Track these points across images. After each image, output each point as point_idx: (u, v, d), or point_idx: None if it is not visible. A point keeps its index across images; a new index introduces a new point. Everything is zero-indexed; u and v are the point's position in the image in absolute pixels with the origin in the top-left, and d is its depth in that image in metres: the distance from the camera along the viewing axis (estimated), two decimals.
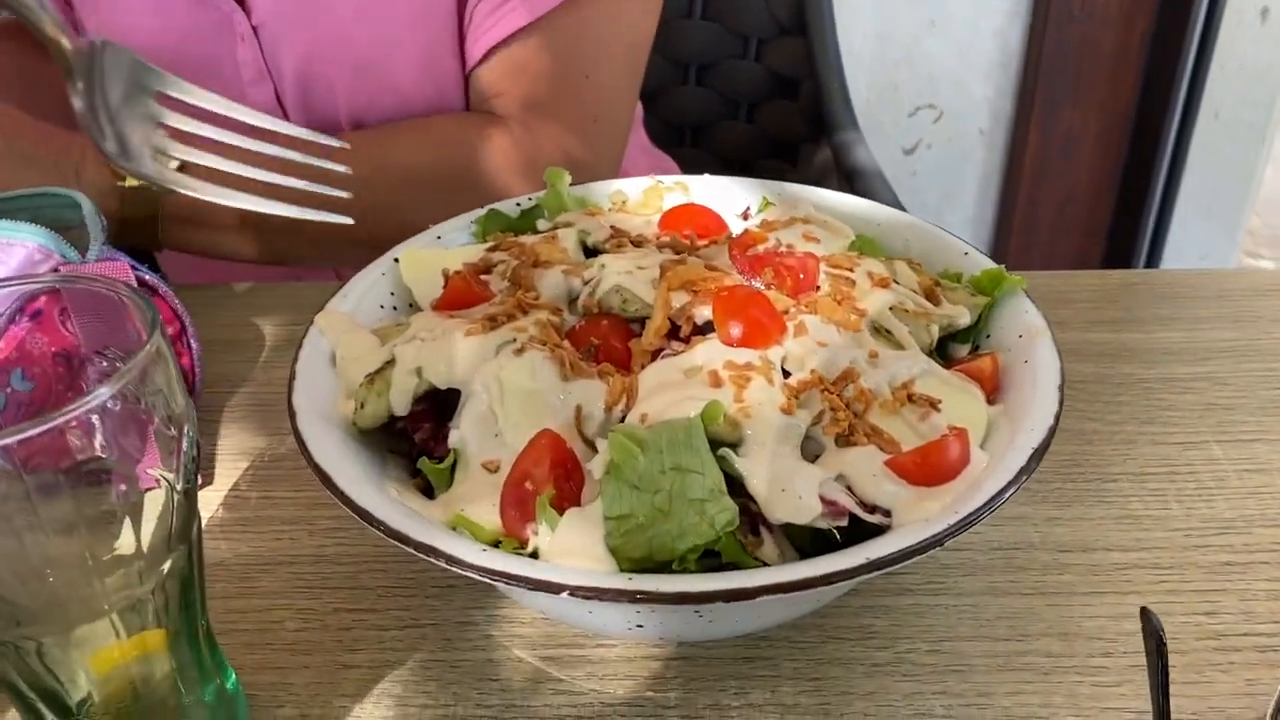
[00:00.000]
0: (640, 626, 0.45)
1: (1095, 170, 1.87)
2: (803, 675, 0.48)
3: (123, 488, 0.36)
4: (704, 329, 0.49)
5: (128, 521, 0.37)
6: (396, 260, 0.58)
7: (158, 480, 0.37)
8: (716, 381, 0.44)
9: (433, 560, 0.40)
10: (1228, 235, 1.92)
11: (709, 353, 0.46)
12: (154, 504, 0.37)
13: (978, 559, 0.53)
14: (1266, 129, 1.83)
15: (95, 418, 0.34)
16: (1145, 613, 0.41)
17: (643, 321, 0.50)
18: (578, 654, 0.49)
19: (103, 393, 0.34)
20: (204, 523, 0.57)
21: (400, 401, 0.47)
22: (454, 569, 0.39)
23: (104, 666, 0.40)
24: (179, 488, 0.38)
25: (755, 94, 1.39)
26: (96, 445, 0.34)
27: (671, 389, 0.44)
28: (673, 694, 0.47)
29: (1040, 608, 0.50)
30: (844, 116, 1.30)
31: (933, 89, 1.81)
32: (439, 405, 0.49)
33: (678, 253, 0.53)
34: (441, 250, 0.58)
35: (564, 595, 0.38)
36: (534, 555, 0.42)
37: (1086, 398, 0.63)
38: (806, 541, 0.43)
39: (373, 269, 0.57)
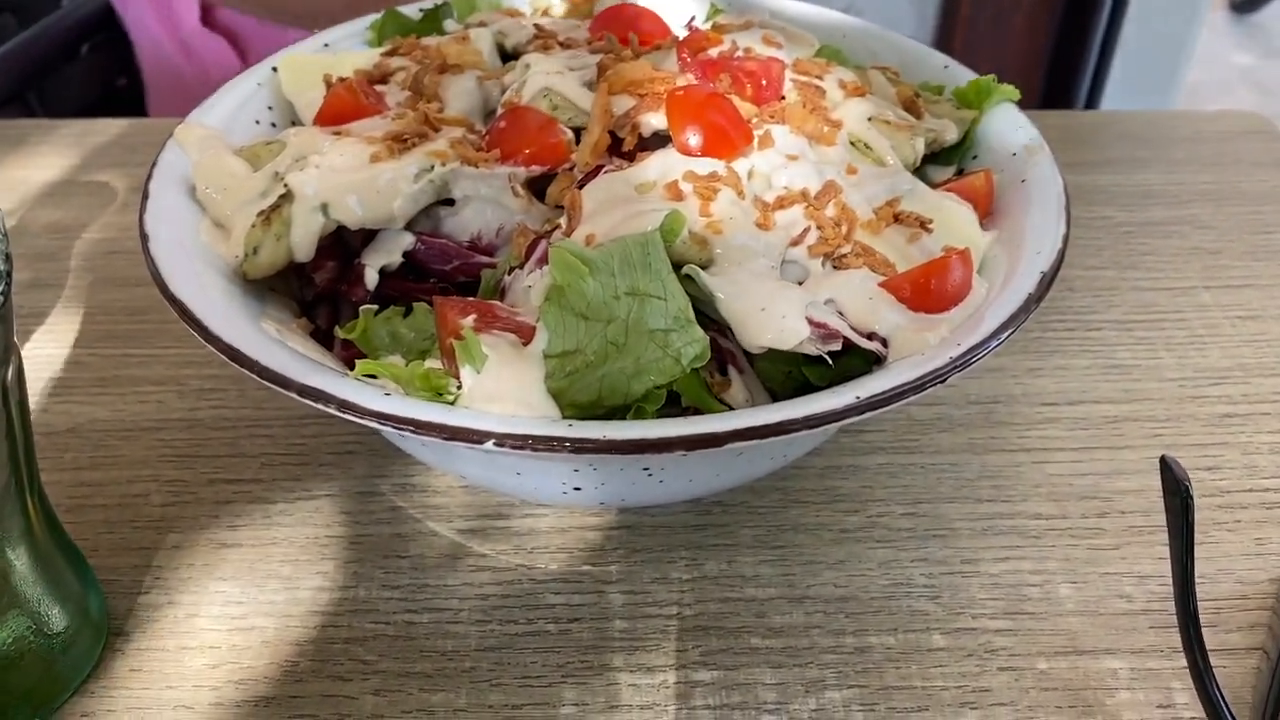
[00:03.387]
0: (578, 489, 0.38)
1: (1028, 40, 1.81)
2: (763, 543, 0.42)
3: None
4: (651, 143, 0.41)
5: None
6: (275, 69, 0.48)
7: None
8: (676, 195, 0.36)
9: (320, 406, 0.32)
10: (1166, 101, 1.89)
11: (665, 164, 0.38)
12: None
13: (954, 414, 0.47)
14: (1198, 5, 1.79)
15: None
16: (1166, 462, 0.36)
17: (578, 133, 0.41)
18: (502, 525, 0.42)
19: None
20: (48, 385, 0.48)
21: (304, 245, 0.38)
22: (346, 417, 0.31)
23: None
24: None
25: None
26: None
27: (621, 205, 0.36)
28: (614, 567, 0.41)
29: (1026, 466, 0.45)
30: None
31: None
32: (340, 239, 0.40)
33: (616, 54, 0.45)
34: (330, 56, 0.48)
35: (488, 446, 0.30)
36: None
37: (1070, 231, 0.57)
38: (778, 385, 0.36)
39: (246, 78, 0.47)
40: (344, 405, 0.31)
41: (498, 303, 0.37)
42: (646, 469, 0.36)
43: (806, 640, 0.38)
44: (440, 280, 0.40)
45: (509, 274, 0.38)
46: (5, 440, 0.32)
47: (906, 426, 0.47)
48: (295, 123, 0.47)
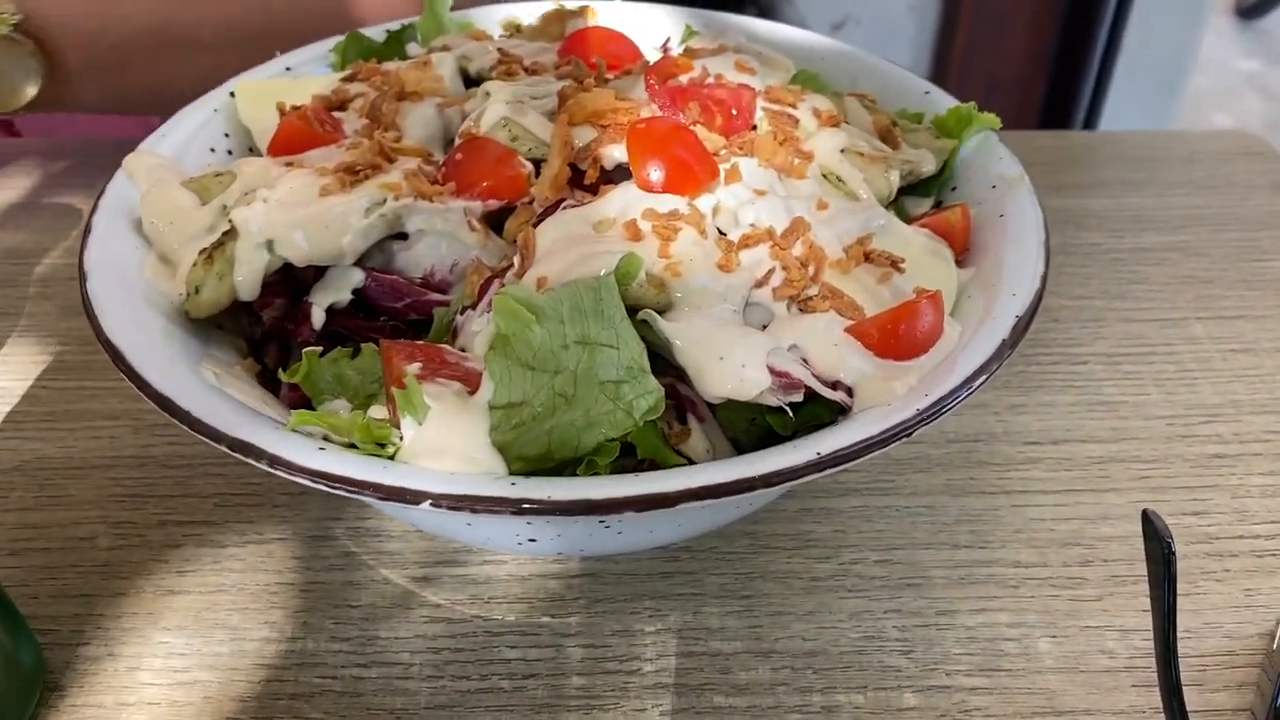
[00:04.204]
0: (533, 540, 0.36)
1: (1028, 51, 1.79)
2: (731, 593, 0.40)
3: None
4: (614, 175, 0.39)
5: None
6: (233, 95, 0.46)
7: None
8: (635, 234, 0.35)
9: (251, 461, 0.30)
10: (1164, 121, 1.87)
11: (624, 200, 0.36)
12: None
13: (932, 453, 0.46)
14: (1201, 12, 1.77)
15: None
16: (1148, 516, 0.34)
17: (538, 165, 0.40)
18: (458, 573, 0.41)
19: None
20: None
21: (248, 284, 0.37)
22: (277, 473, 0.30)
23: None
24: None
25: None
26: None
27: (577, 245, 0.34)
28: (574, 619, 0.39)
29: (1005, 510, 0.43)
30: None
31: None
32: (289, 275, 0.38)
33: (580, 82, 0.43)
34: (288, 81, 0.47)
35: (424, 506, 0.29)
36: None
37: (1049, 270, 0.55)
38: (742, 433, 0.35)
39: (202, 103, 0.46)
40: (275, 461, 0.30)
41: (447, 347, 0.35)
42: (603, 522, 0.34)
43: (772, 699, 0.36)
44: (391, 318, 0.39)
45: (461, 314, 0.36)
46: None
47: (883, 466, 0.45)
48: (253, 150, 0.46)
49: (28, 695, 0.35)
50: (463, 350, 0.35)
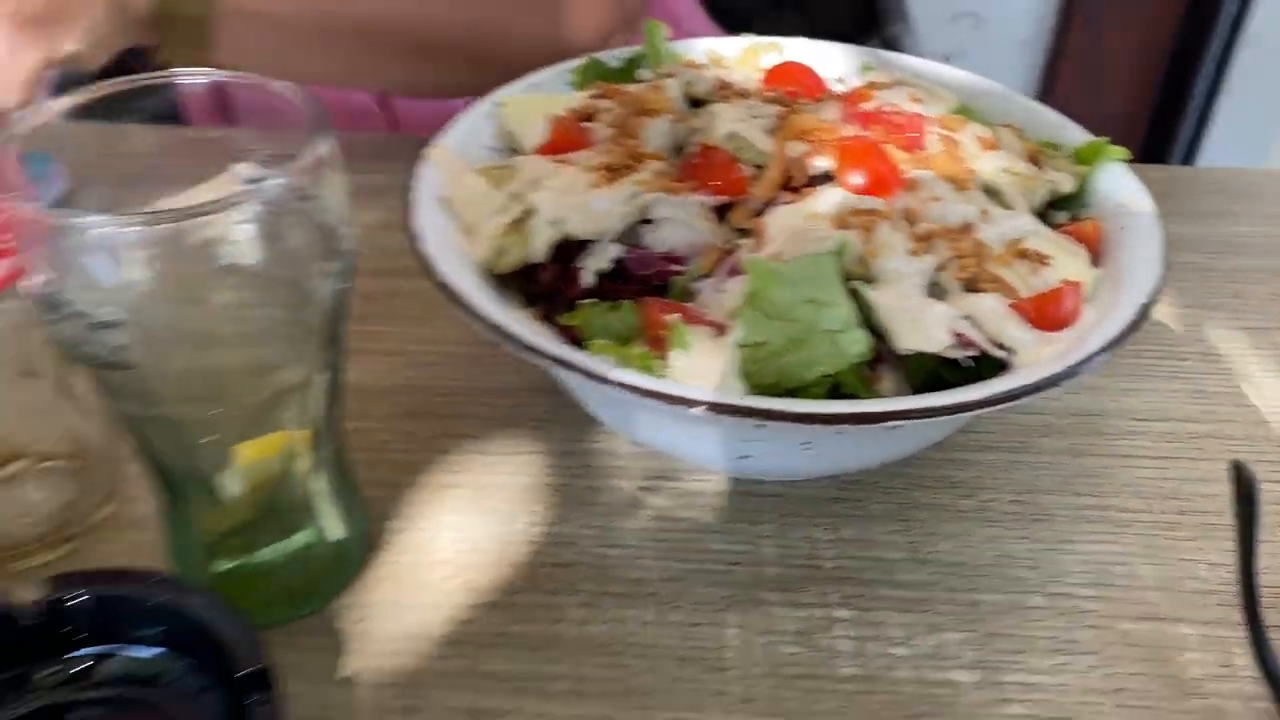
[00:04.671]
0: (746, 458, 0.47)
1: (1132, 90, 1.86)
2: (891, 516, 0.50)
3: (299, 279, 0.37)
4: (816, 181, 0.50)
5: (307, 309, 0.38)
6: (498, 104, 0.58)
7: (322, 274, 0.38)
8: (843, 225, 0.45)
9: (567, 372, 0.41)
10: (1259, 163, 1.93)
11: (831, 199, 0.47)
12: (322, 297, 0.38)
13: (1056, 422, 0.55)
14: None
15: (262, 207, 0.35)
16: (1237, 464, 0.43)
17: (756, 170, 0.51)
18: (673, 485, 0.51)
19: (274, 184, 0.35)
20: None
21: (540, 250, 0.48)
22: (591, 381, 0.41)
23: (255, 452, 0.41)
24: (341, 285, 0.39)
25: None
26: (269, 234, 0.35)
27: (797, 232, 0.45)
28: (766, 526, 0.50)
29: (1116, 469, 0.53)
30: (894, 9, 1.29)
31: None
32: (560, 247, 0.50)
33: (785, 107, 0.54)
34: (544, 96, 0.59)
35: (698, 411, 0.40)
36: None
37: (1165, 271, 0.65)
38: (920, 382, 0.45)
39: (473, 112, 0.58)
40: (588, 373, 0.41)
41: (689, 305, 0.46)
42: (807, 443, 0.45)
43: (926, 594, 0.47)
44: (638, 283, 0.50)
45: (698, 281, 0.47)
46: (341, 390, 0.42)
47: (1014, 430, 0.55)
48: (515, 150, 0.58)
49: (361, 551, 0.47)
50: (701, 308, 0.46)
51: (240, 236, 0.35)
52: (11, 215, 0.34)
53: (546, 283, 0.50)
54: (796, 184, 0.50)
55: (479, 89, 0.59)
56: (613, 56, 0.62)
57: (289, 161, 0.40)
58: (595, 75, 0.61)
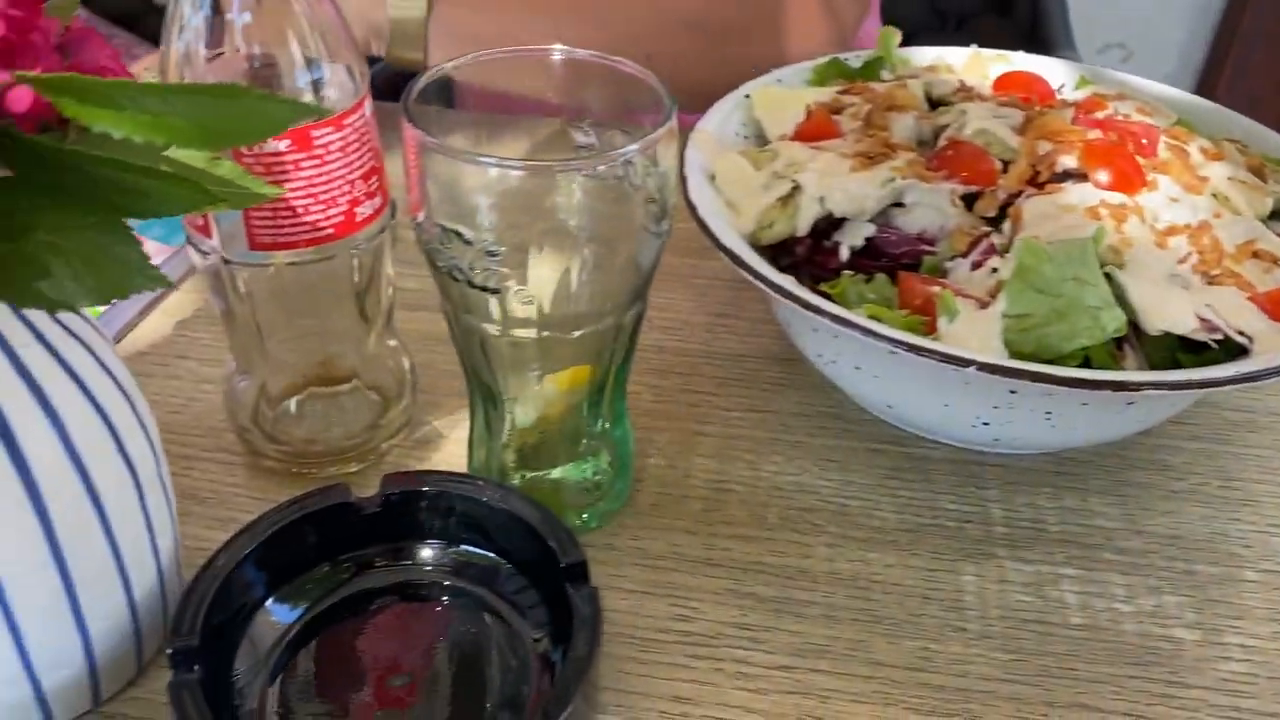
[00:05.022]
0: (985, 424, 0.51)
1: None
2: (1108, 491, 0.54)
3: (637, 234, 0.43)
4: (1060, 178, 0.54)
5: (637, 262, 0.44)
6: (746, 96, 0.64)
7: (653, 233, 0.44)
8: (1095, 216, 0.50)
9: (848, 331, 0.46)
10: None
11: (1081, 194, 0.51)
12: (648, 253, 0.44)
13: (1260, 419, 0.59)
14: None
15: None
16: None
17: (1004, 165, 0.55)
18: (903, 450, 0.56)
19: (633, 148, 0.41)
20: None
21: (804, 225, 0.53)
22: (869, 339, 0.46)
23: (565, 380, 0.47)
24: (663, 238, 0.44)
25: (966, 6, 1.41)
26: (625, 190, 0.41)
27: (1051, 219, 0.50)
28: (992, 491, 0.54)
29: None
30: (1061, 36, 1.32)
31: (1125, 27, 1.80)
32: (816, 224, 0.55)
33: (1024, 110, 0.59)
34: (790, 90, 0.64)
35: (970, 370, 0.44)
36: None
37: None
38: (1158, 364, 0.49)
39: (725, 103, 0.63)
40: (867, 331, 0.46)
41: (944, 279, 0.51)
42: (1050, 413, 0.49)
43: (1145, 561, 0.51)
44: (888, 260, 0.55)
45: (950, 261, 0.52)
46: (637, 319, 0.48)
47: (1220, 424, 0.58)
48: (761, 137, 0.63)
49: (627, 481, 0.53)
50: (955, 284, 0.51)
51: (602, 181, 0.41)
52: (418, 153, 0.41)
53: (800, 256, 0.56)
54: (1041, 179, 0.54)
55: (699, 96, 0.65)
56: (853, 57, 0.67)
57: (615, 131, 0.46)
58: (836, 74, 0.66)
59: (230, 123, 0.30)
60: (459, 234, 0.41)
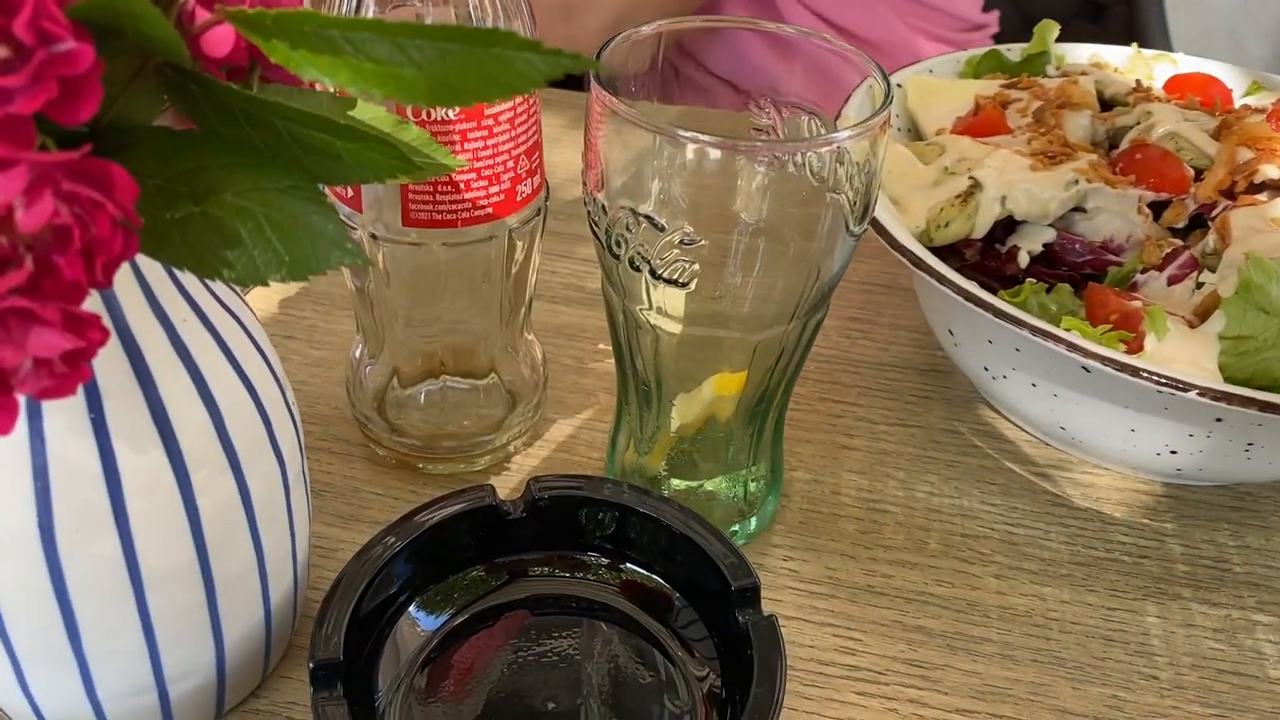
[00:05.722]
0: (1173, 453, 0.47)
1: None
2: None
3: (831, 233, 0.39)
4: (1257, 189, 0.50)
5: (823, 266, 0.39)
6: (899, 85, 0.60)
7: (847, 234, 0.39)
8: None
9: (1049, 344, 0.42)
10: None
11: None
12: (838, 257, 0.40)
13: None
14: None
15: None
16: None
17: (1197, 172, 0.51)
18: (1067, 475, 0.52)
19: (842, 135, 0.37)
20: None
21: (983, 225, 0.49)
22: (1073, 356, 0.42)
23: (724, 385, 0.43)
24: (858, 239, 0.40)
25: (1056, 10, 1.36)
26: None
27: (1261, 235, 0.46)
28: (1168, 525, 0.50)
29: None
30: (1159, 44, 1.27)
31: (1206, 39, 1.75)
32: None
33: (1212, 114, 0.54)
34: (949, 81, 0.60)
35: (1191, 395, 0.40)
36: None
37: None
38: None
39: None
40: (1073, 347, 0.42)
41: (1133, 293, 0.47)
42: (1250, 444, 0.45)
43: None
44: (1068, 269, 0.51)
45: (1142, 273, 0.48)
46: (812, 330, 0.43)
47: None
48: (912, 130, 0.59)
49: (777, 497, 0.49)
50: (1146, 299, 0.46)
51: (802, 170, 0.37)
52: (605, 122, 0.37)
53: (972, 260, 0.52)
54: (1237, 190, 0.50)
55: None
56: (1011, 50, 0.63)
57: (802, 115, 0.42)
58: (993, 67, 0.61)
59: (475, 76, 0.26)
60: (651, 220, 0.37)
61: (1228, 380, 0.42)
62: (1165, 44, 1.26)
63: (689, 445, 0.45)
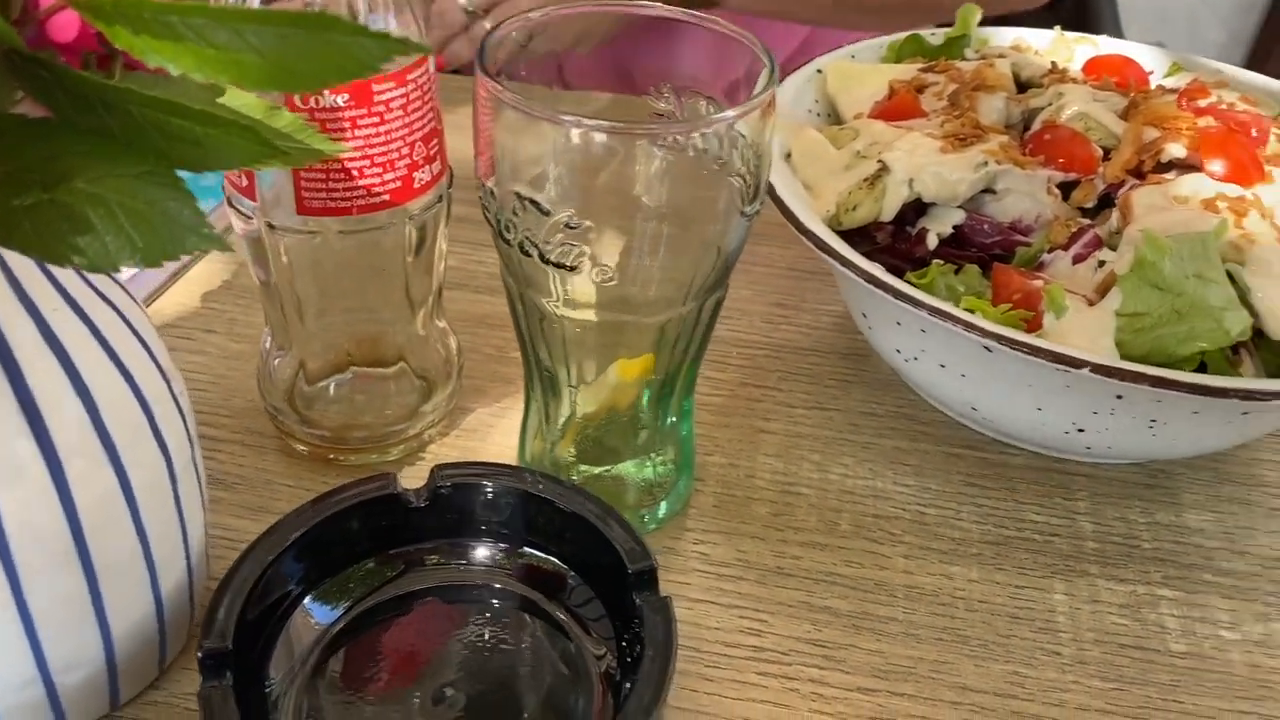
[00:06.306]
0: (1080, 431, 0.47)
1: None
2: (1203, 506, 0.50)
3: (725, 212, 0.39)
4: (1164, 168, 0.50)
5: (721, 243, 0.40)
6: (819, 70, 0.60)
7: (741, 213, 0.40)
8: (1212, 209, 0.46)
9: (946, 324, 0.43)
10: None
11: (1195, 185, 0.47)
12: (735, 234, 0.40)
13: None
14: None
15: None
16: None
17: (1104, 152, 0.51)
18: (982, 455, 0.52)
19: (725, 116, 0.37)
20: None
21: (890, 209, 0.49)
22: (971, 334, 0.42)
23: (631, 370, 0.43)
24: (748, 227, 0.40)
25: None
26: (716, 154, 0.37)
27: (1163, 211, 0.46)
28: (1080, 503, 0.50)
29: None
30: (1110, 31, 1.27)
31: (1163, 26, 1.76)
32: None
33: (1123, 94, 0.55)
34: (869, 66, 0.60)
35: (1084, 371, 0.41)
36: None
37: None
38: (1272, 373, 0.45)
39: (797, 76, 0.59)
40: (968, 325, 0.42)
41: (1039, 273, 0.47)
42: (1154, 421, 0.45)
43: (1251, 584, 0.47)
44: (977, 250, 0.51)
45: (1049, 253, 0.48)
46: (714, 307, 0.44)
47: None
48: (831, 115, 0.59)
49: (689, 481, 0.49)
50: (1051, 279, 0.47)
51: (691, 152, 0.37)
52: (492, 110, 0.37)
53: (883, 243, 0.52)
54: (1145, 168, 0.50)
55: None
56: (932, 34, 0.63)
57: (699, 99, 0.42)
58: (914, 51, 0.62)
59: (313, 61, 0.26)
60: (536, 204, 0.37)
61: (1124, 357, 0.43)
62: (1116, 30, 1.27)
63: (596, 431, 0.45)
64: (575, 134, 0.36)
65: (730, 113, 0.36)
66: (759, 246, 0.66)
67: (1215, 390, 0.40)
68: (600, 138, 0.36)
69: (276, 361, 0.48)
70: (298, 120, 0.34)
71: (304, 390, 0.48)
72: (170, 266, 0.60)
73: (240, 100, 0.33)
